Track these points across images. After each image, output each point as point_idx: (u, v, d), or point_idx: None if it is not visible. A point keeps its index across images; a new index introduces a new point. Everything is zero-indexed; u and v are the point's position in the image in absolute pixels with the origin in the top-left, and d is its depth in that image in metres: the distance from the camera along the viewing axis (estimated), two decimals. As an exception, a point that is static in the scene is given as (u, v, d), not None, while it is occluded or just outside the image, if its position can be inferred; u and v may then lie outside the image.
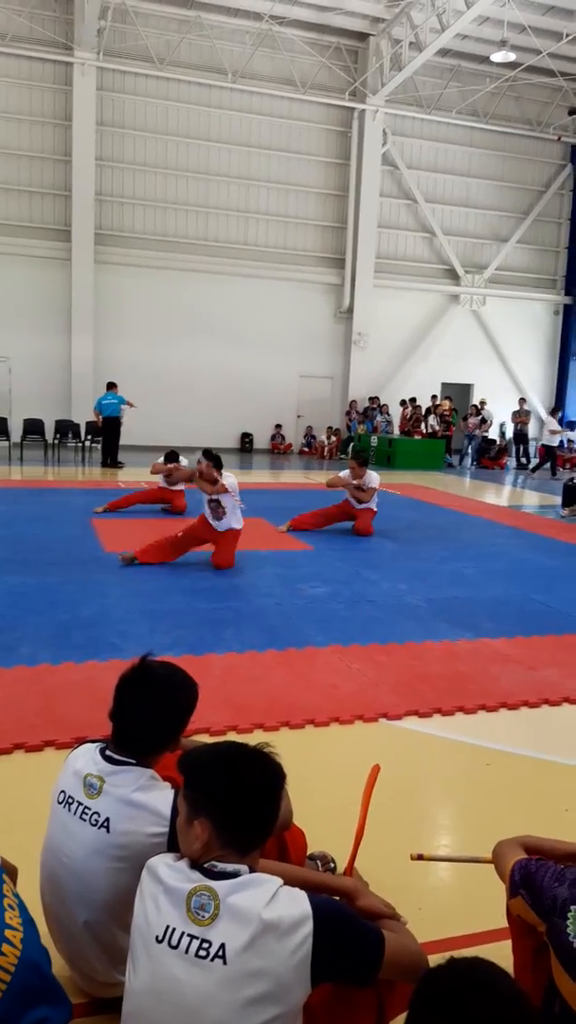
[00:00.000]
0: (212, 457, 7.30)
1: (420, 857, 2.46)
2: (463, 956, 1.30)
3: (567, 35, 18.14)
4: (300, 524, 9.21)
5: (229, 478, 7.24)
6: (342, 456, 19.56)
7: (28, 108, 18.59)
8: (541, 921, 1.80)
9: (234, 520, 7.26)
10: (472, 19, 16.60)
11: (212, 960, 1.56)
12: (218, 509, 7.22)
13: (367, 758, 3.62)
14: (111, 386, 16.05)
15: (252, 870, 1.69)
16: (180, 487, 9.96)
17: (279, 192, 20.77)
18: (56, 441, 17.48)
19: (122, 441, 17.76)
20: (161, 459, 10.03)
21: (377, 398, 21.27)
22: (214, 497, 7.23)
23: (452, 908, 2.61)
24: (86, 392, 19.11)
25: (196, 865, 1.69)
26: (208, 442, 18.48)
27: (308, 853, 2.54)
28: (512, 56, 17.79)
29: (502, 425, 21.84)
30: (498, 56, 17.81)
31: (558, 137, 22.52)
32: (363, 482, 9.12)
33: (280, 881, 1.67)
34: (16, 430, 17.50)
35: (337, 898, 1.89)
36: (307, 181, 20.98)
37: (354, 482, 9.18)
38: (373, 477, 9.17)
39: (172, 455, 10.00)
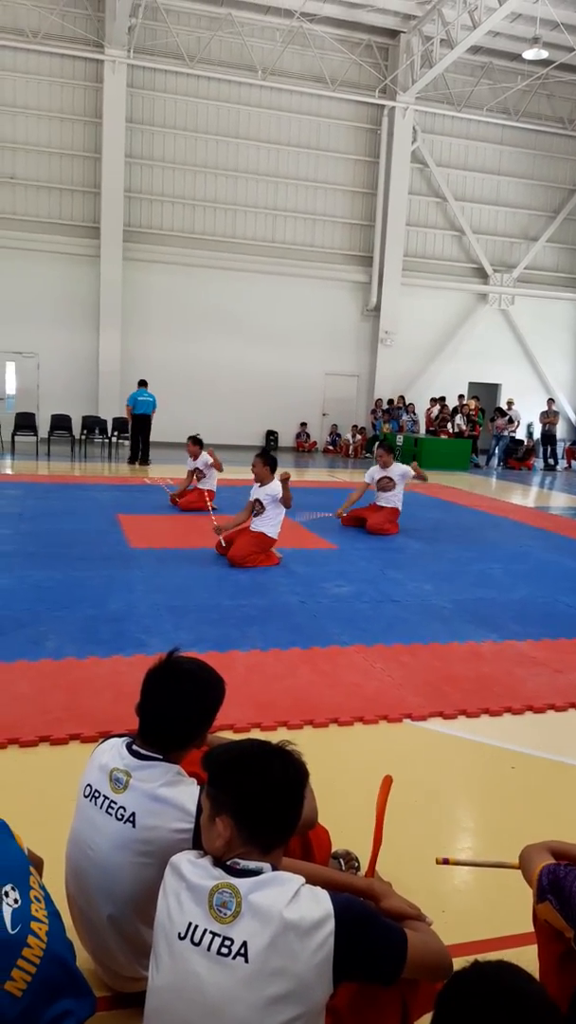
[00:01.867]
0: (264, 455, 7.50)
1: (446, 861, 2.45)
2: (488, 959, 1.28)
3: (601, 32, 17.94)
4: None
5: (267, 488, 7.35)
6: (367, 455, 19.50)
7: (59, 105, 18.72)
8: (569, 927, 1.78)
9: (266, 526, 7.29)
10: (504, 16, 16.46)
11: (234, 958, 1.56)
12: (258, 508, 7.35)
13: (391, 758, 3.62)
14: (144, 383, 16.10)
15: (275, 868, 1.68)
16: (210, 486, 10.00)
17: (307, 189, 20.75)
18: (83, 437, 17.59)
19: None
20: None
21: (403, 397, 21.19)
22: (254, 497, 7.41)
23: (476, 911, 2.59)
24: (113, 388, 19.24)
25: (219, 862, 1.69)
26: (233, 439, 18.56)
27: (332, 852, 2.53)
28: (544, 54, 17.63)
29: (529, 426, 21.66)
30: (530, 53, 17.67)
31: (590, 135, 22.29)
32: (391, 471, 9.14)
33: (302, 880, 1.67)
34: (44, 425, 17.63)
35: (361, 898, 1.88)
36: (336, 179, 20.94)
37: (381, 474, 9.21)
38: (399, 466, 9.26)
39: (197, 440, 10.28)
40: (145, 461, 15.68)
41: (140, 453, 15.80)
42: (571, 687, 4.56)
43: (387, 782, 2.41)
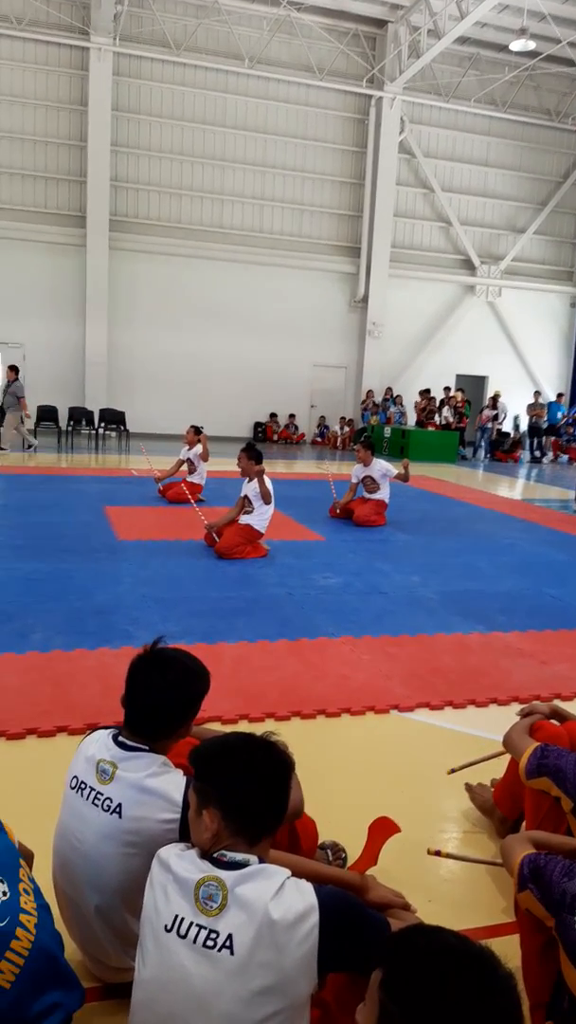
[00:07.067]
0: (248, 449, 7.41)
1: (438, 853, 2.49)
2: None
3: (588, 23, 17.94)
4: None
5: (254, 484, 7.30)
6: (355, 447, 19.52)
7: (44, 93, 18.55)
8: (550, 915, 1.81)
9: (254, 520, 7.28)
10: (492, 7, 16.43)
11: (220, 951, 1.57)
12: (247, 506, 7.33)
13: (379, 749, 3.64)
14: None
15: (262, 860, 1.69)
16: (198, 480, 10.00)
17: (295, 179, 20.67)
18: (70, 428, 17.52)
19: (135, 429, 17.83)
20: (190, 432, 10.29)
21: (390, 389, 21.22)
22: (244, 493, 7.38)
23: (462, 901, 2.62)
24: (100, 379, 19.18)
25: (206, 855, 1.70)
26: (221, 431, 18.54)
27: (319, 842, 2.55)
28: (532, 45, 17.58)
29: (516, 418, 21.72)
30: (517, 45, 17.61)
31: (577, 127, 22.32)
32: (372, 470, 9.17)
33: (288, 872, 1.68)
34: (30, 417, 17.54)
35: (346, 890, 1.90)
36: (323, 169, 20.87)
37: (363, 473, 9.23)
38: (380, 464, 9.25)
39: (198, 429, 10.22)
40: None
41: None
42: (556, 678, 4.60)
43: (392, 829, 2.46)
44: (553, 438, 20.15)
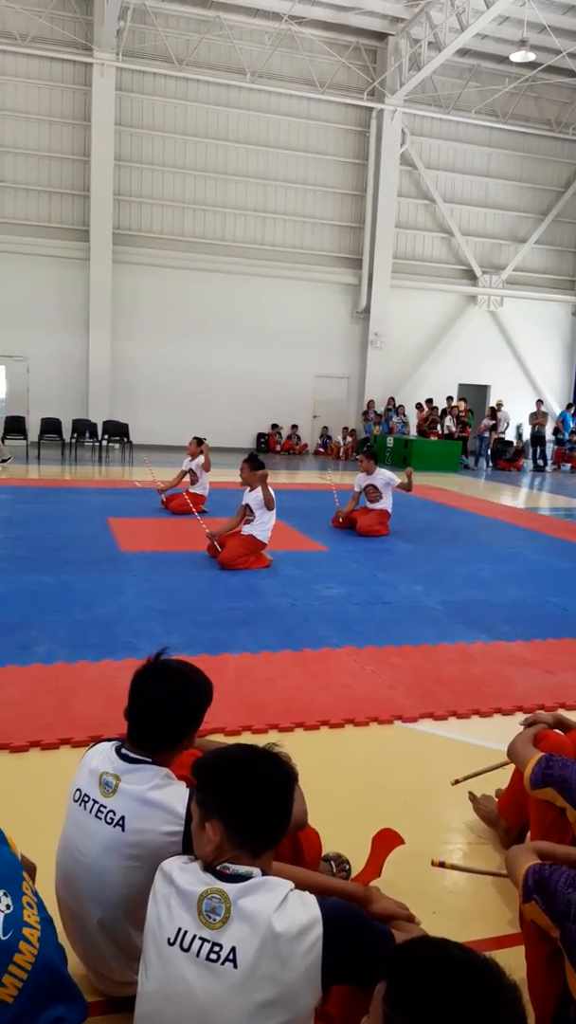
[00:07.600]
0: (250, 460, 7.44)
1: (442, 864, 2.48)
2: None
3: (587, 35, 18.02)
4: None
5: (256, 493, 7.30)
6: (356, 457, 19.53)
7: (48, 108, 18.68)
8: (555, 926, 1.80)
9: (256, 530, 7.29)
10: (492, 19, 16.50)
11: (223, 964, 1.57)
12: (248, 515, 7.33)
13: (382, 760, 3.63)
14: None
15: (265, 872, 1.69)
16: (201, 490, 10.02)
17: (297, 192, 20.77)
18: (73, 440, 17.56)
19: (138, 440, 17.88)
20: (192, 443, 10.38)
21: (392, 399, 21.24)
22: (245, 502, 7.40)
23: (467, 913, 2.60)
24: (103, 392, 19.23)
25: (209, 868, 1.69)
26: (223, 442, 18.54)
27: (323, 854, 2.54)
28: (532, 56, 17.67)
29: (519, 427, 21.71)
30: (518, 56, 17.70)
31: (578, 137, 22.39)
32: (375, 479, 9.18)
33: (291, 885, 1.67)
34: (34, 429, 17.60)
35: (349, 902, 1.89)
36: (325, 181, 20.96)
37: (366, 482, 9.24)
38: (383, 473, 9.26)
39: (200, 440, 10.31)
40: None
41: None
42: (561, 687, 4.58)
43: (395, 841, 2.46)
44: (557, 447, 20.17)
